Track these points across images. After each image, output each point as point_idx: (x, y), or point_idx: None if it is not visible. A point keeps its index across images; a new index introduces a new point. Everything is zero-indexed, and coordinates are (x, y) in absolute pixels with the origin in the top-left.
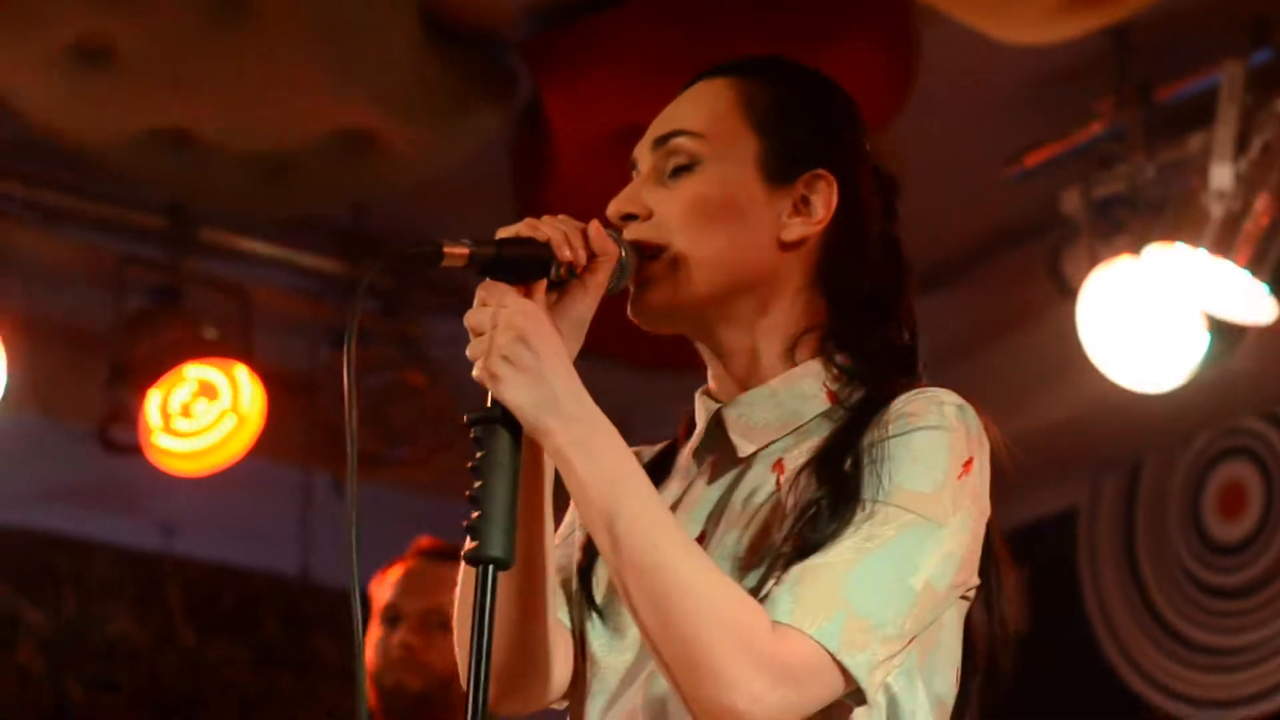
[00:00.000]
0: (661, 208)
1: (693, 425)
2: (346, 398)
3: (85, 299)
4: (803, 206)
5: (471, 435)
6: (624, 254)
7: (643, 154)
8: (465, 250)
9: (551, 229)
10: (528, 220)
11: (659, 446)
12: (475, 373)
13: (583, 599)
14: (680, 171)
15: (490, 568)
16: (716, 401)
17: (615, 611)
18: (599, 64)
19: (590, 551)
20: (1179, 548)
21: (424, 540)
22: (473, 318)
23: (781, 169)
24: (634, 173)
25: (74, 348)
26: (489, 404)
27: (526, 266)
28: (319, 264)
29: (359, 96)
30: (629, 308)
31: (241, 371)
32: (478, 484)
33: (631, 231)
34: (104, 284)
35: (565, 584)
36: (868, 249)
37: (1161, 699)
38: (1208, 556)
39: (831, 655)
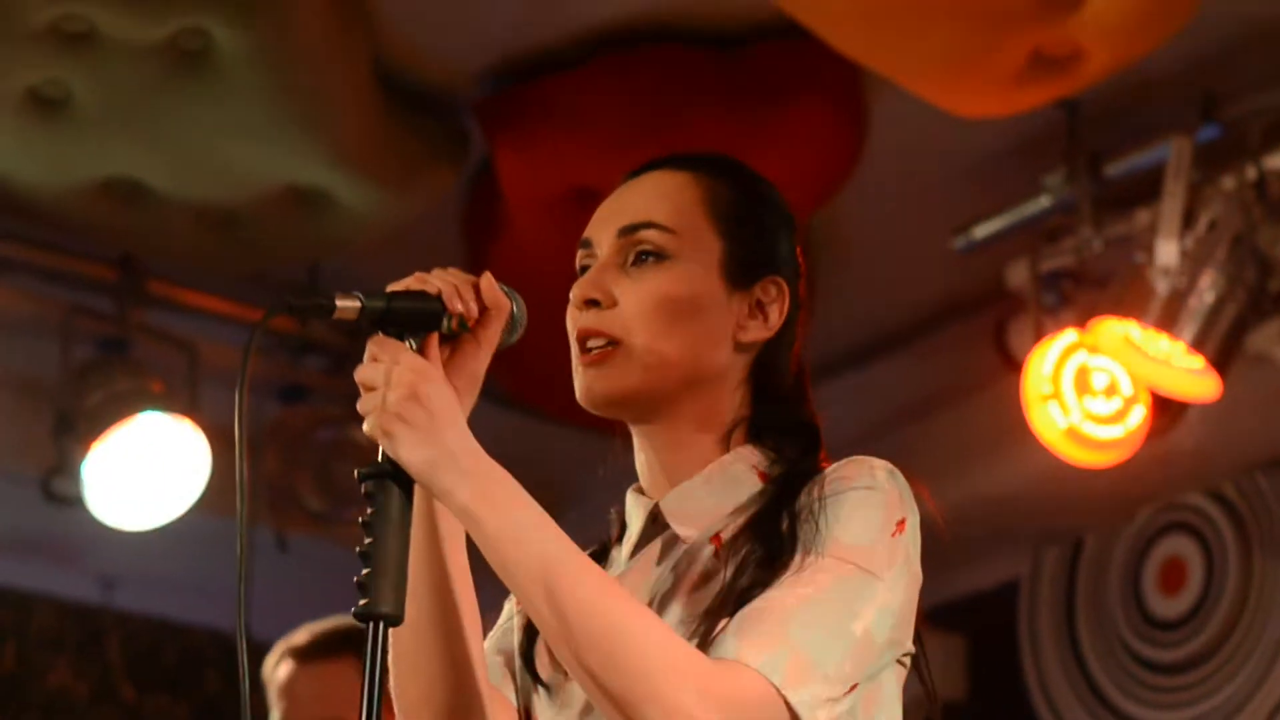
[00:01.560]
0: (625, 297)
1: (623, 524)
2: (237, 445)
3: (32, 349)
4: (758, 310)
5: (363, 491)
6: (516, 308)
7: (602, 237)
8: (356, 304)
9: (441, 281)
10: (417, 274)
11: (589, 550)
12: (366, 428)
13: (527, 678)
14: (645, 261)
15: (381, 624)
16: (649, 498)
17: (561, 686)
18: (552, 126)
19: (530, 632)
20: (1119, 622)
21: (297, 637)
22: (364, 373)
23: (742, 273)
24: (585, 252)
25: (20, 397)
26: (380, 459)
27: (417, 319)
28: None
29: (313, 152)
30: (579, 393)
31: (187, 425)
32: (368, 540)
33: (592, 319)
34: (52, 334)
35: (508, 665)
36: (796, 346)
37: None
38: (1147, 631)
39: (776, 689)
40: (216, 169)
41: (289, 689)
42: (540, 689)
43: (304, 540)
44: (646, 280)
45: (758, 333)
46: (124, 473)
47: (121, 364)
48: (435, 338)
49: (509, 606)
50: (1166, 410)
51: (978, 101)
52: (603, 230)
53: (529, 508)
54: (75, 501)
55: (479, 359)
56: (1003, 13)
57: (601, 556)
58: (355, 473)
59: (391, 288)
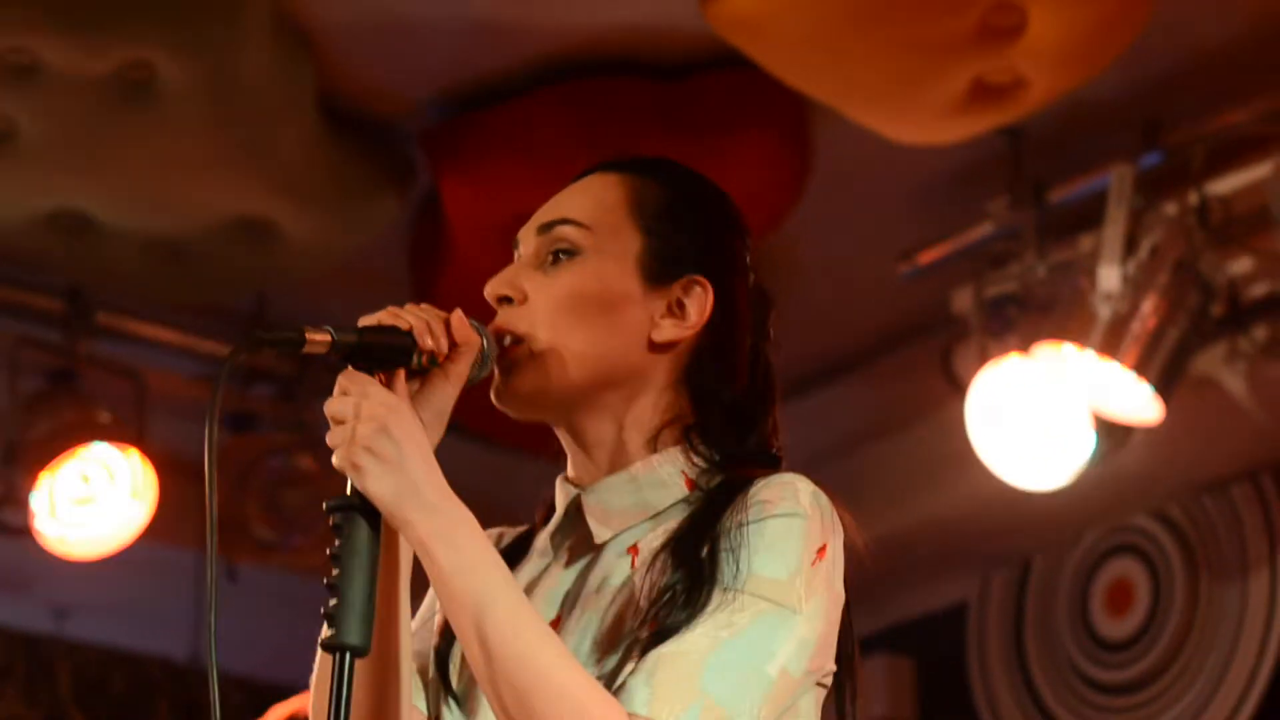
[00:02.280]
0: (537, 295)
1: (551, 510)
2: (207, 482)
3: None
4: (677, 309)
5: (330, 522)
6: (485, 344)
7: (526, 237)
8: (327, 337)
9: (413, 317)
10: (389, 309)
11: (518, 530)
12: (335, 461)
13: (439, 684)
14: (560, 259)
15: (347, 655)
16: (576, 487)
17: (471, 696)
18: (497, 154)
19: (448, 636)
20: (1067, 644)
21: None
22: (333, 406)
23: (660, 270)
24: (516, 254)
25: None
26: (348, 491)
27: (388, 354)
28: (215, 349)
29: (258, 183)
30: (493, 394)
31: (135, 456)
32: (336, 571)
33: (503, 316)
34: None
35: (422, 670)
36: (736, 358)
37: None
38: (1095, 653)
39: None
40: (162, 200)
41: None
42: (450, 701)
43: (252, 569)
44: (559, 276)
45: (673, 331)
46: (72, 502)
47: (69, 394)
48: (404, 372)
49: (428, 601)
50: (1111, 434)
51: (921, 129)
52: (528, 230)
53: (480, 547)
54: (23, 532)
55: (447, 394)
56: (944, 41)
57: (524, 543)
58: (324, 505)
59: (363, 322)
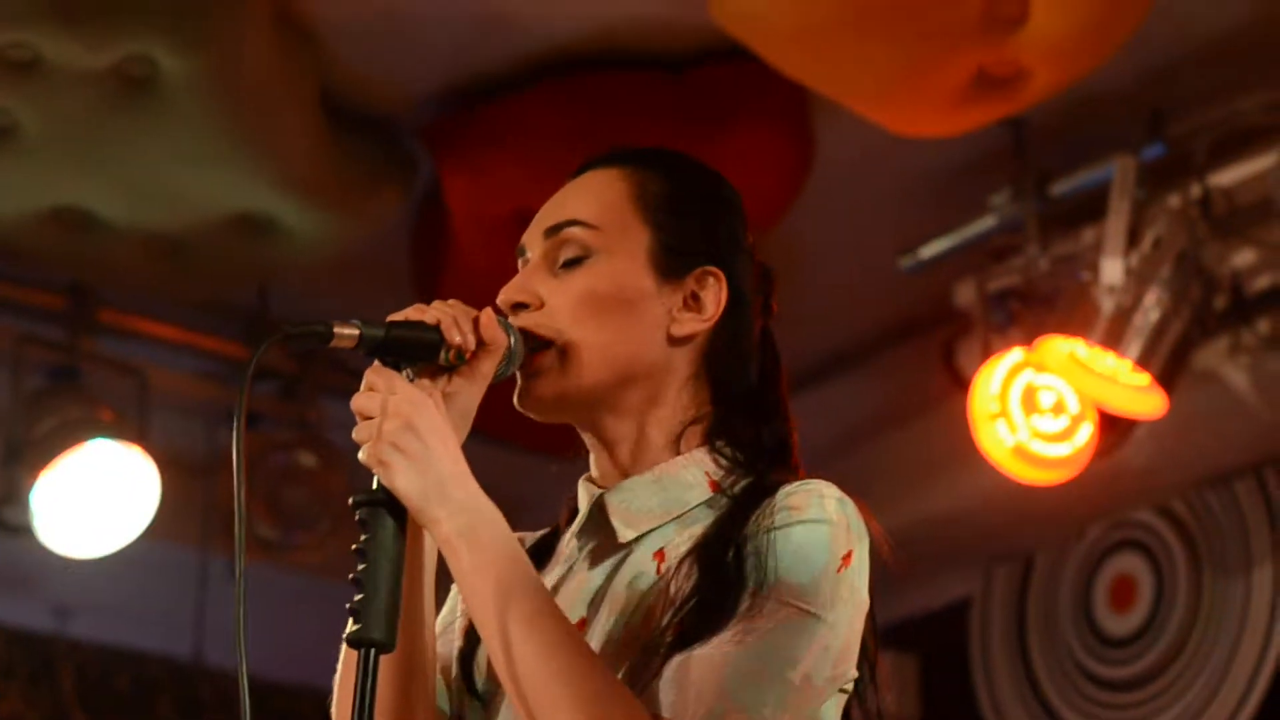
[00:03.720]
0: (553, 298)
1: (574, 511)
2: (235, 476)
3: None
4: (693, 302)
5: (356, 518)
6: (513, 343)
7: (533, 241)
8: (355, 331)
9: (440, 312)
10: (417, 305)
11: (541, 532)
12: (362, 457)
13: (462, 687)
14: (572, 263)
15: (372, 651)
16: (599, 488)
17: (495, 699)
18: (499, 149)
19: (471, 638)
20: (1070, 640)
21: None
22: (360, 402)
23: (673, 264)
24: (521, 260)
25: None
26: (374, 487)
27: (415, 350)
28: (218, 346)
29: (260, 178)
30: (516, 398)
31: (137, 453)
32: (362, 566)
33: (521, 320)
34: (1, 362)
35: (445, 672)
36: (750, 344)
37: None
38: (1098, 649)
39: None
40: (164, 196)
41: None
42: (474, 699)
43: (254, 567)
44: (573, 279)
45: (692, 325)
46: (74, 501)
47: (71, 392)
48: (431, 369)
49: (450, 606)
50: (1114, 428)
51: (923, 121)
52: (533, 234)
53: (506, 545)
54: (25, 530)
55: (473, 393)
56: (946, 33)
57: (548, 544)
58: (350, 500)
59: (391, 317)
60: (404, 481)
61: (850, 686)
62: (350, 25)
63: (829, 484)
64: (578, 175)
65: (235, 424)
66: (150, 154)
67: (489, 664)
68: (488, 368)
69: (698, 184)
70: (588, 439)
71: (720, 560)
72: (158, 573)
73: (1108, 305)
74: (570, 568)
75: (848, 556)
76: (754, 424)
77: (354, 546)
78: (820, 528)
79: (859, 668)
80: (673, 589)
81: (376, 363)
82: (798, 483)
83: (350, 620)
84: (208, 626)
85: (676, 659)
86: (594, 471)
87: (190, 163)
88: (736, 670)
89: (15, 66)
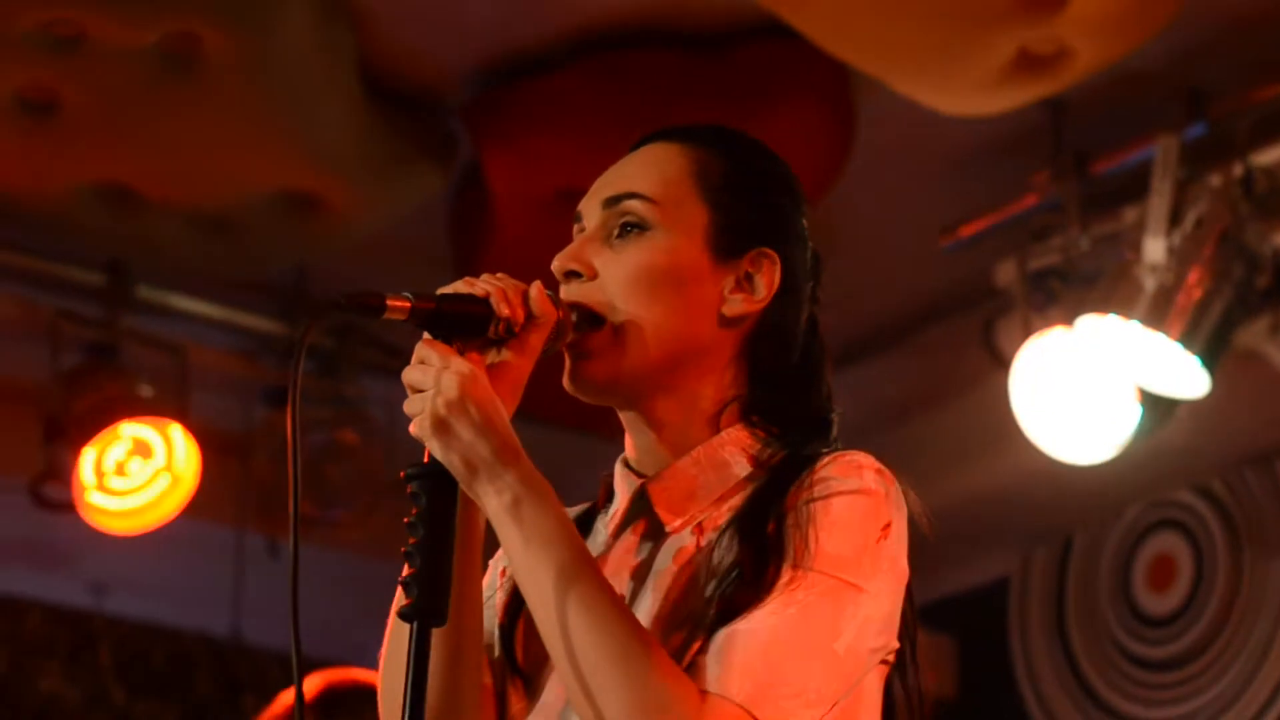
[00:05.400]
0: (607, 270)
1: (610, 492)
2: (290, 447)
3: (20, 354)
4: (745, 283)
5: (408, 491)
6: (562, 316)
7: (590, 210)
8: (407, 303)
9: (490, 285)
10: (465, 279)
11: (580, 508)
12: (414, 430)
13: (504, 662)
14: (628, 233)
15: (425, 624)
16: (638, 474)
17: (539, 674)
18: (539, 126)
19: (511, 613)
20: (1109, 619)
21: (281, 699)
22: (412, 375)
23: (729, 244)
24: (576, 226)
25: (8, 403)
26: (426, 460)
27: (465, 323)
28: (257, 323)
29: (301, 156)
30: (566, 379)
31: (176, 430)
32: (413, 540)
33: (574, 291)
34: (40, 339)
35: (487, 647)
36: (797, 329)
37: None
38: (1137, 628)
39: None
40: (205, 173)
41: None
42: (517, 676)
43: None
44: (628, 252)
45: (744, 306)
46: (113, 478)
47: (110, 369)
48: (481, 342)
49: (489, 579)
50: (1156, 408)
51: (965, 100)
52: (591, 203)
53: (556, 518)
54: (65, 507)
55: (522, 366)
56: (988, 11)
57: (587, 521)
58: (401, 473)
59: (440, 290)
60: (456, 454)
61: (892, 658)
62: (390, 3)
63: (867, 455)
64: (638, 147)
65: (290, 396)
66: (191, 131)
67: (526, 639)
68: (537, 341)
69: (758, 165)
70: (629, 420)
71: (760, 532)
72: (195, 549)
73: (1150, 284)
74: (610, 547)
75: (887, 527)
76: (792, 400)
77: (405, 520)
78: (859, 498)
79: (900, 640)
80: (714, 562)
81: (427, 335)
82: (835, 454)
83: (402, 593)
84: (245, 604)
85: (721, 633)
86: (631, 454)
87: (231, 140)
88: (781, 642)
89: (59, 42)
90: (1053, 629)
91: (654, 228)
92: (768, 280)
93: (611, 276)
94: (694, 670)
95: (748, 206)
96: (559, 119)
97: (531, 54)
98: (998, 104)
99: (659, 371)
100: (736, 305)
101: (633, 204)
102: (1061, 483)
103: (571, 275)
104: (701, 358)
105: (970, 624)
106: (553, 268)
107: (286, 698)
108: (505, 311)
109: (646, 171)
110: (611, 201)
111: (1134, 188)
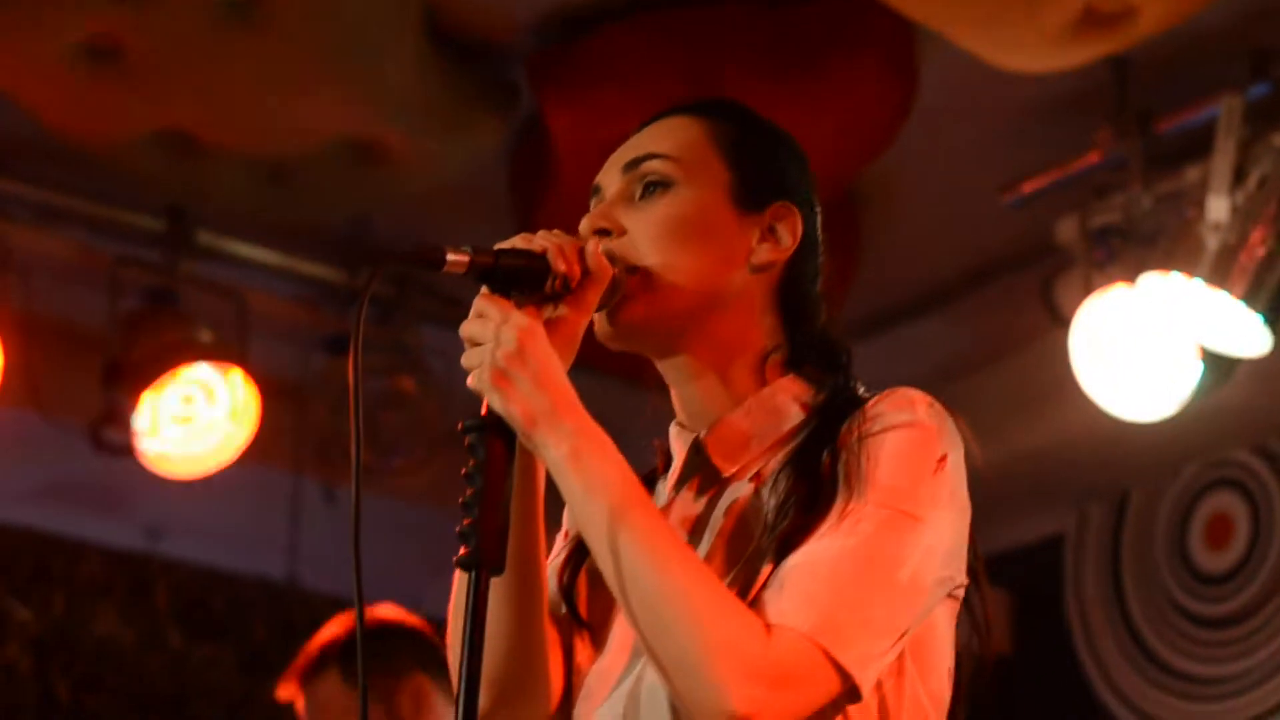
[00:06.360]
0: (636, 226)
1: (668, 457)
2: (352, 394)
3: (81, 298)
4: (769, 235)
5: (465, 442)
6: (617, 273)
7: (609, 179)
8: (466, 258)
9: (547, 241)
10: (522, 234)
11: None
12: (471, 382)
13: (569, 619)
14: (652, 191)
15: (483, 573)
16: (691, 432)
17: (601, 623)
18: (601, 79)
19: (573, 566)
20: (1165, 577)
21: (298, 660)
22: (470, 328)
23: (752, 198)
24: (595, 199)
25: (69, 347)
26: (484, 412)
27: (523, 277)
28: (316, 271)
29: (363, 105)
30: (598, 324)
31: (236, 375)
32: (470, 490)
33: (607, 246)
34: (100, 284)
35: (551, 603)
36: (819, 277)
37: None
38: (1193, 586)
39: (825, 652)
40: (266, 121)
41: (299, 712)
42: (583, 628)
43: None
44: (654, 207)
45: (771, 254)
46: (173, 421)
47: (170, 314)
48: (538, 297)
49: (557, 545)
50: (1217, 366)
51: (1028, 56)
52: (609, 173)
53: (615, 465)
54: (124, 451)
55: (579, 320)
56: None
57: (648, 486)
58: (459, 424)
59: (498, 246)
60: (512, 406)
61: (960, 594)
62: None
63: (918, 390)
64: (646, 124)
65: (352, 346)
66: (254, 78)
67: (593, 594)
68: (593, 296)
69: (769, 131)
70: (671, 373)
71: (815, 470)
72: (251, 494)
73: (1212, 243)
74: (670, 501)
75: (943, 459)
76: (827, 349)
77: (463, 471)
78: (913, 431)
79: (969, 575)
80: (771, 501)
81: (485, 289)
82: (887, 391)
83: (460, 543)
84: (301, 549)
85: (783, 566)
86: (681, 414)
87: (293, 87)
88: (843, 573)
89: None
90: (1108, 585)
91: (677, 183)
92: (791, 230)
93: (641, 232)
94: (757, 605)
95: (764, 164)
96: (621, 72)
97: (594, 6)
98: (1061, 61)
99: (692, 317)
100: (764, 254)
101: (654, 164)
102: (1119, 440)
103: (600, 233)
104: (734, 303)
105: (1026, 580)
106: (580, 229)
107: (318, 639)
108: (562, 267)
109: (663, 136)
110: (632, 165)
111: (1197, 147)
